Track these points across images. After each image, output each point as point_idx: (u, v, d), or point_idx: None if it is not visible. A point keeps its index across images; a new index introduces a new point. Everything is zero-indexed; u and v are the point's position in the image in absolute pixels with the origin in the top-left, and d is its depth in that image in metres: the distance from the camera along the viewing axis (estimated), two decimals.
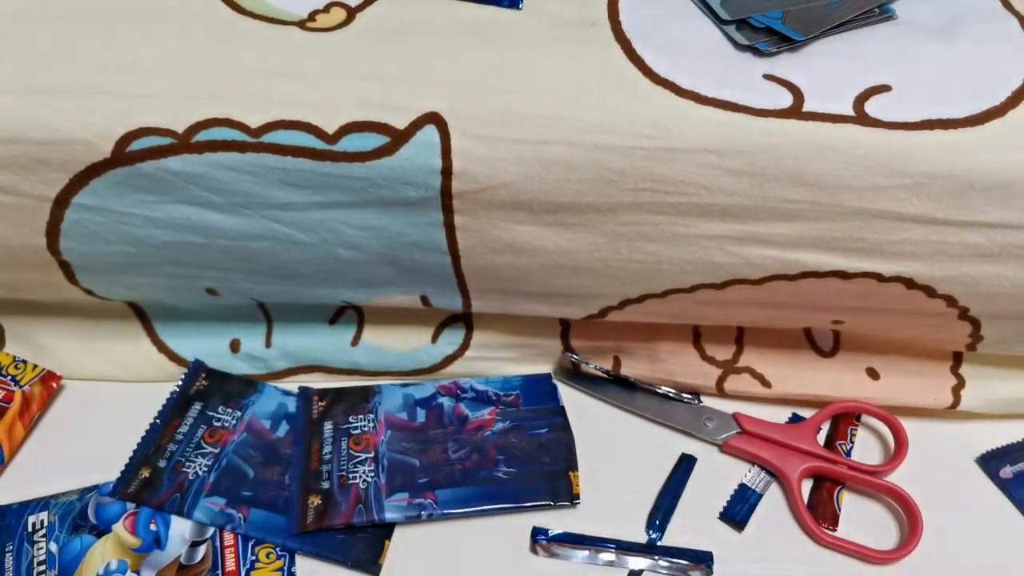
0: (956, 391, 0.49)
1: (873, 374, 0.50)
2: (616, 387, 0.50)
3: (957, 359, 0.50)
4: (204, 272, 0.44)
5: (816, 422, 0.48)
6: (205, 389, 0.48)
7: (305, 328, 0.50)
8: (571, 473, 0.45)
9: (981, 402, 0.49)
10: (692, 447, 0.48)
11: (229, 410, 0.47)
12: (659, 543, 0.44)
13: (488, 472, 0.45)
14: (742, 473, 0.47)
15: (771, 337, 0.50)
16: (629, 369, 0.51)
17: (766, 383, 0.50)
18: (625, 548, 0.43)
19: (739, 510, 0.45)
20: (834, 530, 0.44)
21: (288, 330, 0.51)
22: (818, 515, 0.45)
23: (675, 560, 0.43)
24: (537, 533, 0.43)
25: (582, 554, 0.43)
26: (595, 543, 0.43)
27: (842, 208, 0.39)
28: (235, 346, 0.50)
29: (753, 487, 0.46)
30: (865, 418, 0.50)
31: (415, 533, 0.43)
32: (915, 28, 0.42)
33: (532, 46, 0.41)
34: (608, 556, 0.43)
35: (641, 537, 0.44)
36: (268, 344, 0.50)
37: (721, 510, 0.45)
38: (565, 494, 0.45)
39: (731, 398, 0.50)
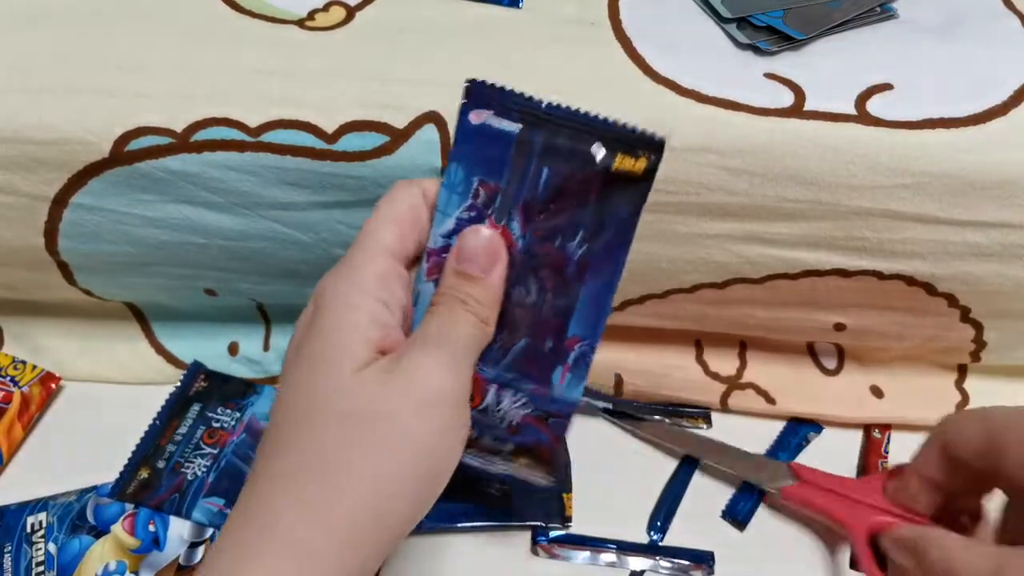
0: (960, 407, 0.49)
1: (877, 392, 0.49)
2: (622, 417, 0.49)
3: (962, 373, 0.50)
4: (203, 272, 0.44)
5: (882, 478, 0.42)
6: (204, 390, 0.48)
7: None
8: (564, 495, 0.45)
9: None
10: None
11: (228, 411, 0.47)
12: (660, 544, 0.43)
13: (481, 488, 0.44)
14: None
15: (775, 353, 0.50)
16: (631, 386, 0.49)
17: (771, 400, 0.49)
18: (626, 549, 0.43)
19: (741, 508, 0.45)
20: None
21: (287, 333, 0.50)
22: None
23: (676, 560, 0.42)
24: (538, 534, 0.43)
25: (583, 555, 0.43)
26: (596, 544, 0.43)
27: (843, 207, 0.39)
28: (233, 349, 0.50)
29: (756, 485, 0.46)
30: None
31: (414, 534, 0.43)
32: (917, 27, 0.42)
33: (532, 45, 0.41)
34: (609, 557, 0.43)
35: (643, 538, 0.44)
36: (267, 347, 0.50)
37: (723, 509, 0.45)
38: (557, 515, 0.44)
39: (734, 413, 0.50)
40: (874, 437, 0.48)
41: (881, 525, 0.40)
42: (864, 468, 0.47)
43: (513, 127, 0.31)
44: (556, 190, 0.31)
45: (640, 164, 0.31)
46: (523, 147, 0.31)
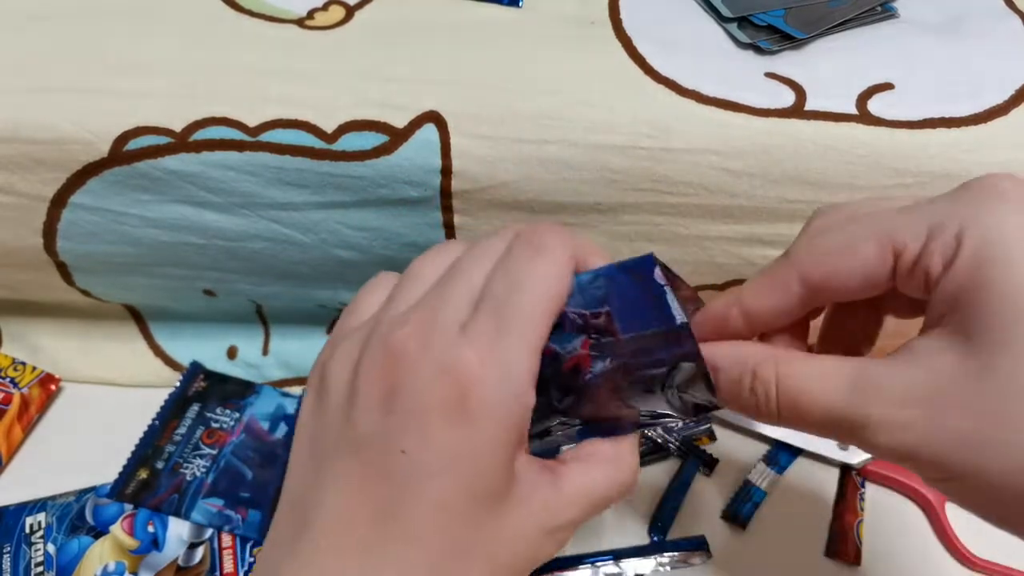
0: None
1: None
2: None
3: None
4: (202, 272, 0.44)
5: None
6: (203, 390, 0.48)
7: (303, 335, 0.50)
8: None
9: None
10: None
11: (227, 411, 0.47)
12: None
13: None
14: (746, 473, 0.46)
15: None
16: None
17: None
18: (623, 556, 0.42)
19: (742, 508, 0.45)
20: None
21: (286, 337, 0.50)
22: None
23: (671, 554, 0.42)
24: None
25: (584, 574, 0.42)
26: (593, 560, 0.42)
27: None
28: (232, 352, 0.50)
29: (758, 485, 0.45)
30: None
31: None
32: (918, 26, 0.42)
33: (532, 45, 0.41)
34: (610, 569, 0.42)
35: (644, 540, 0.43)
36: (265, 352, 0.50)
37: (723, 509, 0.45)
38: None
39: (735, 414, 0.49)
40: None
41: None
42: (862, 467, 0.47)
43: (670, 319, 0.28)
44: (646, 382, 0.29)
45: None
46: (665, 336, 0.28)
